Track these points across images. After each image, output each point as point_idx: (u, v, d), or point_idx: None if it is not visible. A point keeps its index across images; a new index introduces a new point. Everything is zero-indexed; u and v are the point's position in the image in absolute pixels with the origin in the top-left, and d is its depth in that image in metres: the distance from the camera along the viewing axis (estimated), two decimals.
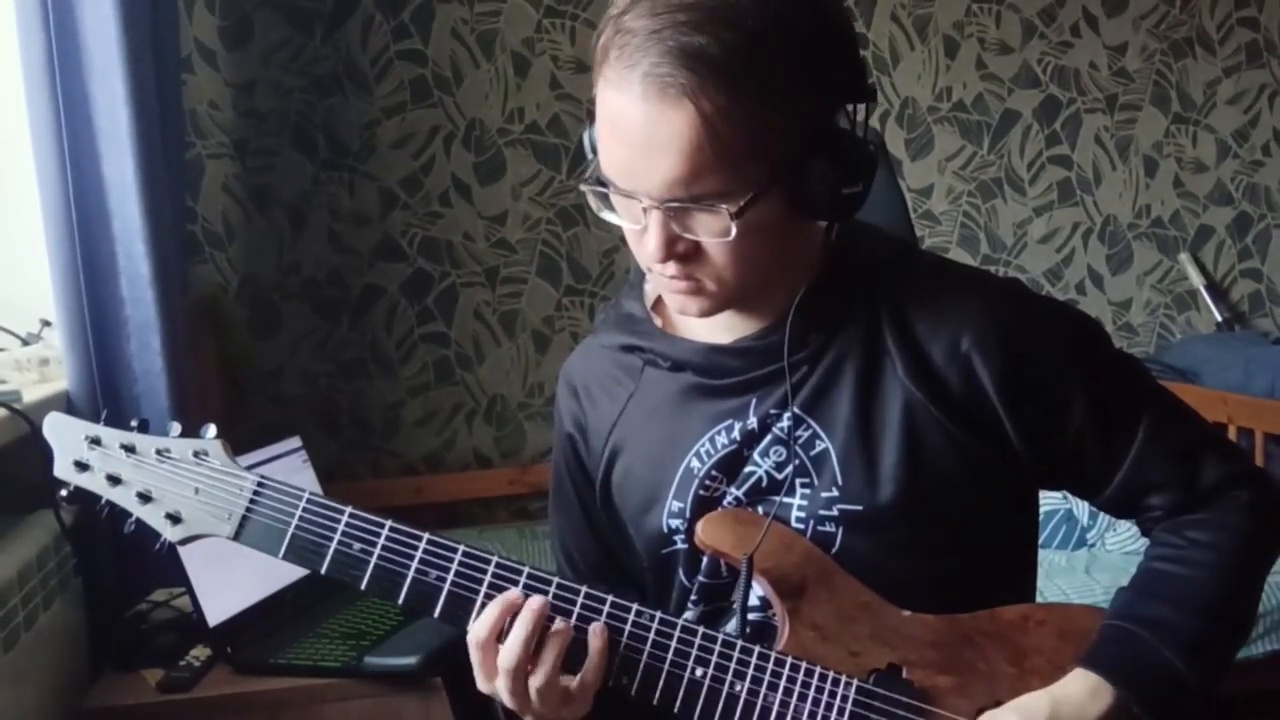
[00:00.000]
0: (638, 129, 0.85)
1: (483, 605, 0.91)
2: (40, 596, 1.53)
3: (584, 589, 0.92)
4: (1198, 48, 2.98)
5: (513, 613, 0.89)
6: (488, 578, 0.92)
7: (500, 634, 0.89)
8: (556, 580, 0.92)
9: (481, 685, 0.92)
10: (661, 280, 0.94)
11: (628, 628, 0.91)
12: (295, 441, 1.96)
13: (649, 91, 0.83)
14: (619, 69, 0.85)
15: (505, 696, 0.90)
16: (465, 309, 2.62)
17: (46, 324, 1.85)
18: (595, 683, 0.90)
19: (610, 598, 0.92)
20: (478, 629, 0.90)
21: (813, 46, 0.87)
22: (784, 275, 0.96)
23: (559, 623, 0.89)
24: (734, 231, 0.87)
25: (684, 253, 0.89)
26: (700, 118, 0.83)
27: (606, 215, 0.93)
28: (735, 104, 0.83)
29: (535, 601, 0.89)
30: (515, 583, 0.92)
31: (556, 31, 2.61)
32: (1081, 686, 0.91)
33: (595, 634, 0.90)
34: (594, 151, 0.91)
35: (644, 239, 0.89)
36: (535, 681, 0.89)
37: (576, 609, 0.91)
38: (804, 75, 0.86)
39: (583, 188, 0.92)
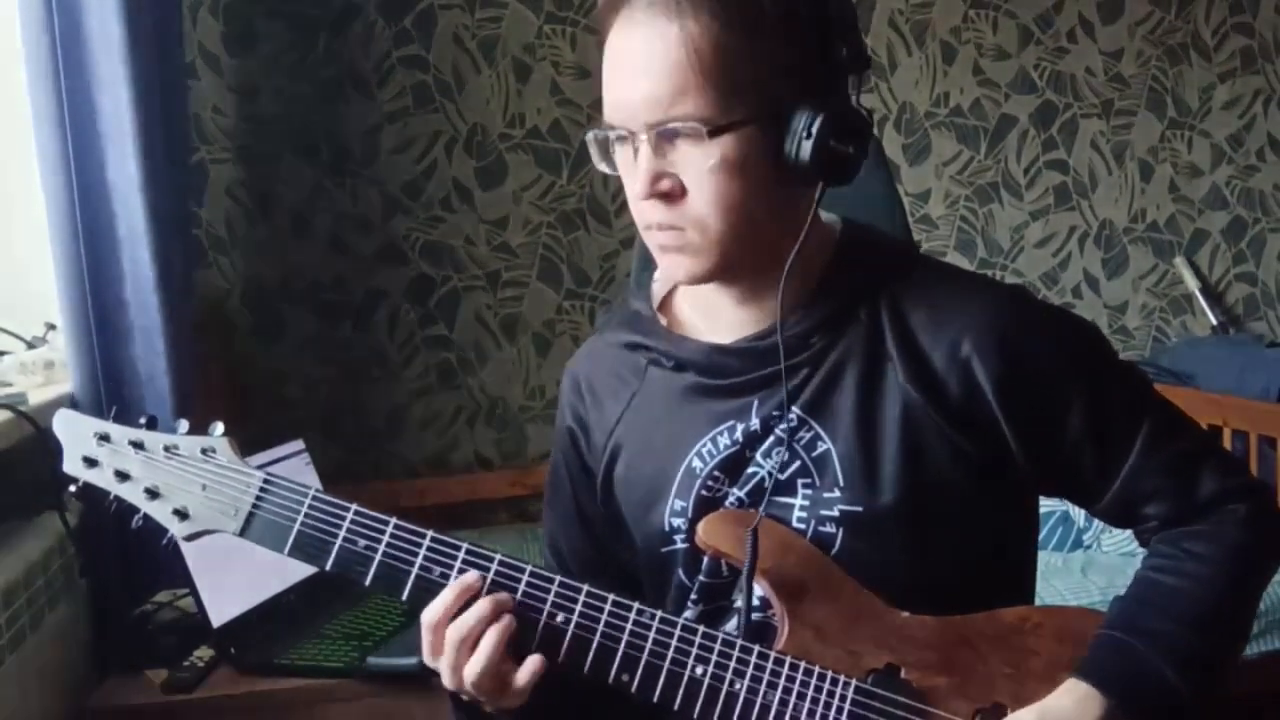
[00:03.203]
0: (629, 52, 0.90)
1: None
2: (46, 597, 1.54)
3: (585, 587, 0.93)
4: (1193, 53, 3.00)
5: (469, 596, 0.91)
6: (491, 575, 0.93)
7: (454, 617, 0.91)
8: (559, 579, 0.93)
9: (427, 659, 0.94)
10: (650, 236, 0.95)
11: (629, 626, 0.93)
12: (298, 444, 1.97)
13: (639, 14, 0.89)
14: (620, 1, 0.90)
15: (446, 674, 0.93)
16: (467, 313, 2.63)
17: (51, 327, 1.87)
18: (527, 686, 0.91)
19: (611, 596, 0.93)
20: (433, 611, 0.92)
21: (812, 2, 0.90)
22: (776, 247, 0.94)
23: (506, 619, 0.91)
24: (713, 160, 0.89)
25: (668, 190, 0.91)
26: (686, 37, 0.87)
27: (603, 167, 0.96)
28: (724, 30, 0.88)
29: (502, 595, 0.91)
30: (518, 580, 0.93)
31: (557, 38, 2.63)
32: (1071, 697, 0.92)
33: (531, 660, 0.91)
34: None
35: (633, 181, 0.92)
36: (476, 662, 0.90)
37: (578, 607, 0.93)
38: (800, 24, 0.90)
39: (587, 137, 0.96)
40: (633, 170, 0.92)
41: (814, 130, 0.89)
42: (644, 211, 0.94)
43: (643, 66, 0.89)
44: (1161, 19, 2.97)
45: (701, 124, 0.88)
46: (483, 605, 0.91)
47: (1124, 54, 2.96)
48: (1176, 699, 0.92)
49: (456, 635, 0.91)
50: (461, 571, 0.93)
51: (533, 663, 0.91)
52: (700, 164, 0.90)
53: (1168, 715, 0.92)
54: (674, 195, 0.91)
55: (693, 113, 0.88)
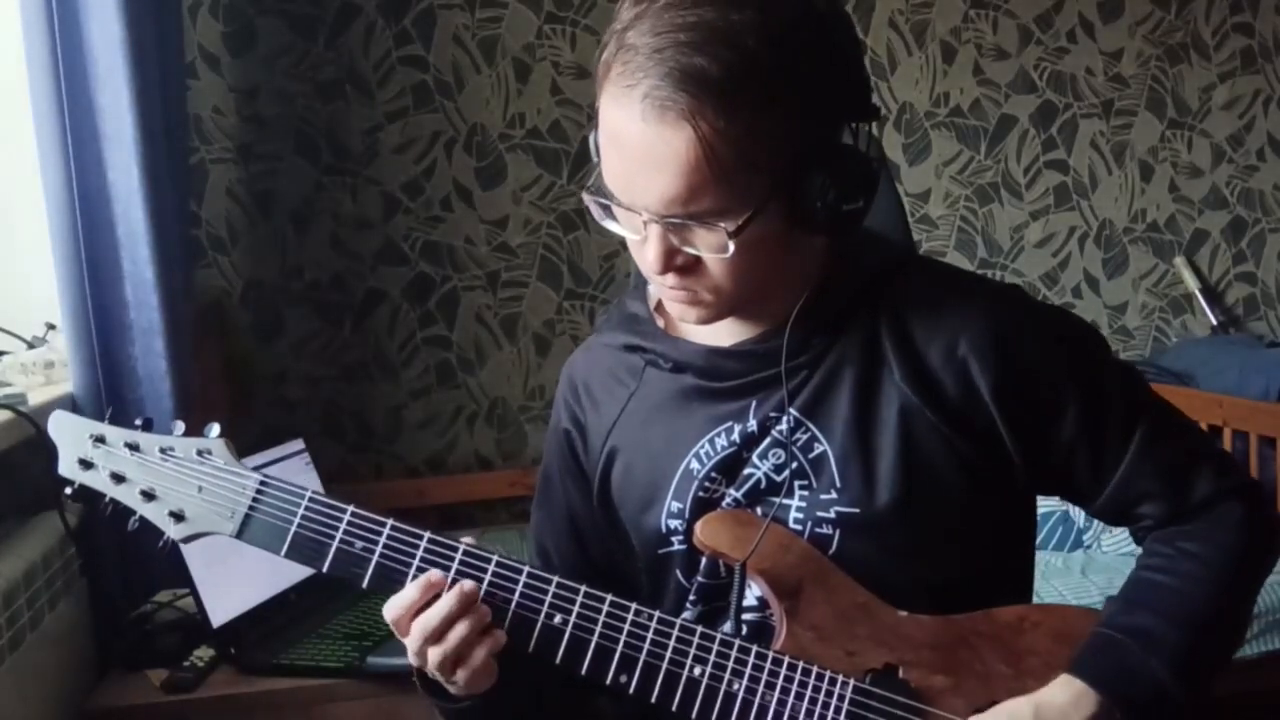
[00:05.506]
0: (637, 147, 0.86)
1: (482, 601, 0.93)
2: (46, 597, 1.54)
3: (583, 588, 0.94)
4: (1193, 53, 3.00)
5: (433, 594, 0.91)
6: (488, 576, 0.93)
7: (416, 613, 0.91)
8: (556, 580, 0.94)
9: (397, 635, 0.95)
10: (662, 288, 0.95)
11: (626, 626, 0.93)
12: (298, 444, 1.97)
13: (648, 112, 0.84)
14: (620, 86, 0.86)
15: (411, 654, 0.93)
16: (467, 312, 2.63)
17: (51, 327, 1.87)
18: (488, 667, 0.92)
19: (609, 596, 0.93)
20: (395, 606, 0.92)
21: (814, 65, 0.87)
22: (785, 282, 0.97)
23: (476, 613, 0.91)
24: (731, 248, 0.88)
25: (683, 265, 0.91)
26: (698, 139, 0.84)
27: (608, 225, 0.94)
28: (734, 125, 0.84)
29: (467, 585, 0.91)
30: (515, 581, 0.93)
31: (557, 37, 2.63)
32: (1066, 693, 0.92)
33: (496, 635, 0.92)
34: (598, 155, 0.91)
35: (644, 251, 0.90)
36: (442, 649, 0.91)
37: (576, 607, 0.93)
38: (804, 94, 0.87)
39: (585, 197, 0.94)
40: (639, 232, 0.90)
41: (828, 201, 0.88)
42: (653, 276, 0.93)
43: (653, 163, 0.85)
44: (1161, 19, 2.97)
45: (719, 219, 0.87)
46: (447, 601, 0.91)
47: (1124, 54, 2.96)
48: (1170, 698, 0.92)
49: (422, 630, 0.91)
50: (460, 573, 0.93)
51: (493, 635, 0.91)
52: (716, 246, 0.89)
53: (1161, 714, 0.93)
54: (688, 268, 0.91)
55: (709, 209, 0.86)
